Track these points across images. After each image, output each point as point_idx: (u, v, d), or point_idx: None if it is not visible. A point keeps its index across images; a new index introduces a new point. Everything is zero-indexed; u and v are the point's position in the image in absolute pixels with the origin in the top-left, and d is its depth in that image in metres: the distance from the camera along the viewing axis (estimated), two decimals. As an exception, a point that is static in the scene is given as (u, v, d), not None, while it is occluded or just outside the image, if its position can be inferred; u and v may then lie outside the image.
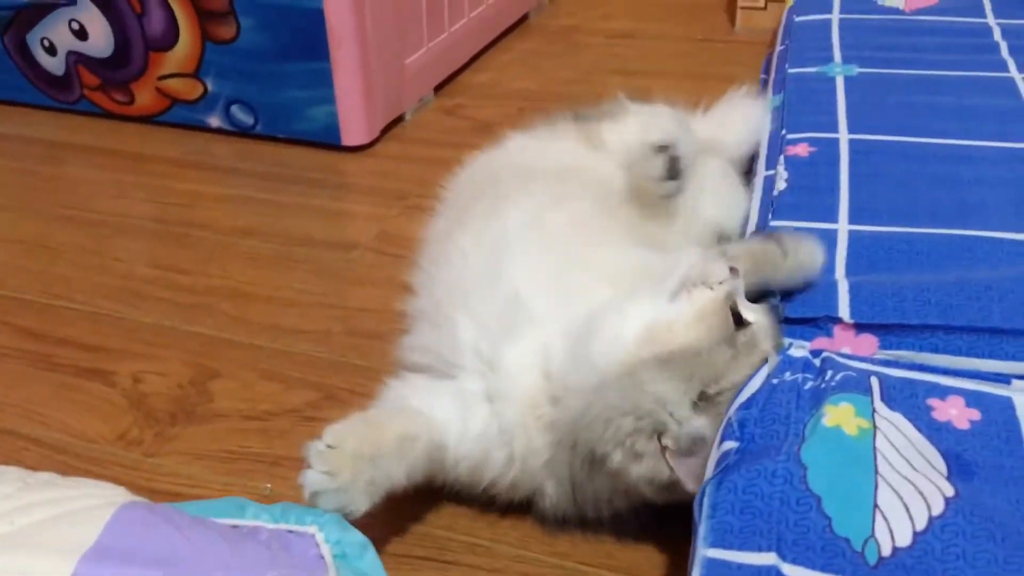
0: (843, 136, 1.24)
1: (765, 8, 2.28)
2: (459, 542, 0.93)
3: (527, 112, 1.91)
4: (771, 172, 1.20)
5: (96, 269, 1.42)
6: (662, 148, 1.05)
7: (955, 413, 0.77)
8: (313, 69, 1.69)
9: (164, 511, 0.70)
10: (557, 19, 2.47)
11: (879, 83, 1.40)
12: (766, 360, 0.83)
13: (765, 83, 1.65)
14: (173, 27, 1.75)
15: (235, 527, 0.72)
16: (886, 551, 0.64)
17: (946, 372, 0.83)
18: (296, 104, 1.74)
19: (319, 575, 0.71)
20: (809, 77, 1.44)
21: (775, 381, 0.80)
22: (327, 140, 1.75)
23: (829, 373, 0.80)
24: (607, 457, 0.82)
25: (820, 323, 0.89)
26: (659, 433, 0.80)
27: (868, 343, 0.88)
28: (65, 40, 1.86)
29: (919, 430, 0.75)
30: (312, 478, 0.80)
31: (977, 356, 0.86)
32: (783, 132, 1.27)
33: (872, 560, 0.64)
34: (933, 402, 0.78)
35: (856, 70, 1.44)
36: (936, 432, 0.75)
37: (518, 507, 0.94)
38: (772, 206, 1.11)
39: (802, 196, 1.12)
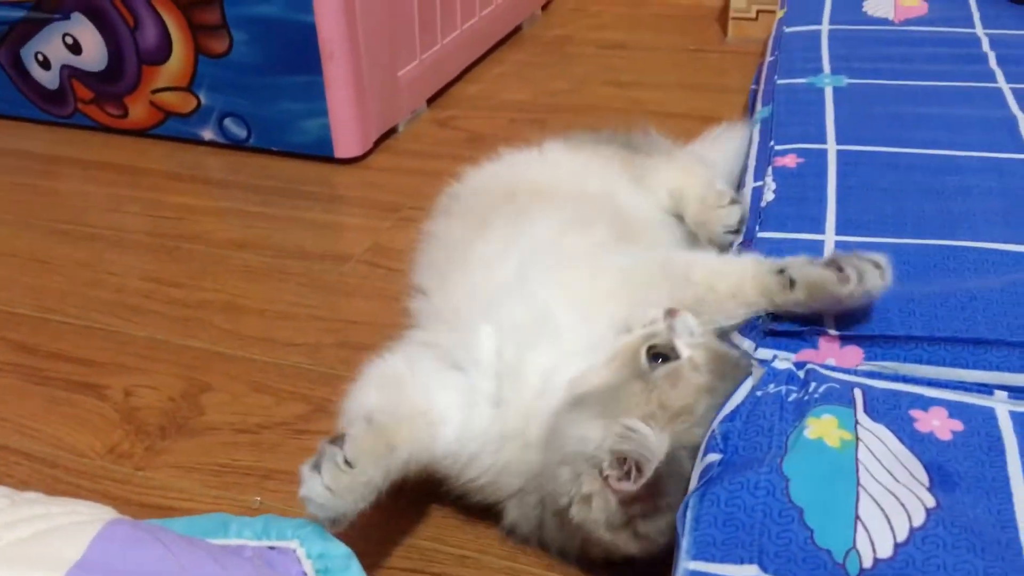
0: (831, 147, 1.25)
1: (757, 19, 2.29)
2: (447, 553, 0.93)
3: (519, 123, 1.93)
4: (759, 183, 1.20)
5: (89, 282, 1.42)
6: (734, 201, 1.18)
7: (938, 424, 0.77)
8: (306, 82, 1.70)
9: (150, 528, 0.70)
10: (550, 30, 2.48)
11: (868, 94, 1.40)
12: (714, 384, 0.83)
13: (755, 94, 1.66)
14: (166, 41, 1.76)
15: (223, 547, 0.72)
16: (867, 563, 0.64)
17: (930, 383, 0.83)
18: (289, 117, 1.75)
19: (302, 592, 0.71)
20: (798, 88, 1.44)
21: (759, 393, 0.80)
22: (320, 152, 1.76)
23: (813, 385, 0.81)
24: (567, 510, 0.82)
25: (805, 335, 0.89)
26: (599, 469, 0.79)
27: (853, 354, 0.88)
28: (59, 54, 1.87)
29: (901, 441, 0.75)
30: (315, 490, 0.78)
31: (961, 366, 0.86)
32: (771, 143, 1.28)
33: (853, 572, 0.64)
34: (916, 413, 0.78)
35: (845, 81, 1.45)
36: (918, 443, 0.75)
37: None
38: (760, 217, 1.12)
39: (790, 207, 1.12)
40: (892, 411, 0.78)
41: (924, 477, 0.72)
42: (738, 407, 0.79)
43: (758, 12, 2.28)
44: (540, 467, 0.85)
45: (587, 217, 1.07)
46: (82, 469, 1.06)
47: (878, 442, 0.74)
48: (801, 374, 0.84)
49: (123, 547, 0.68)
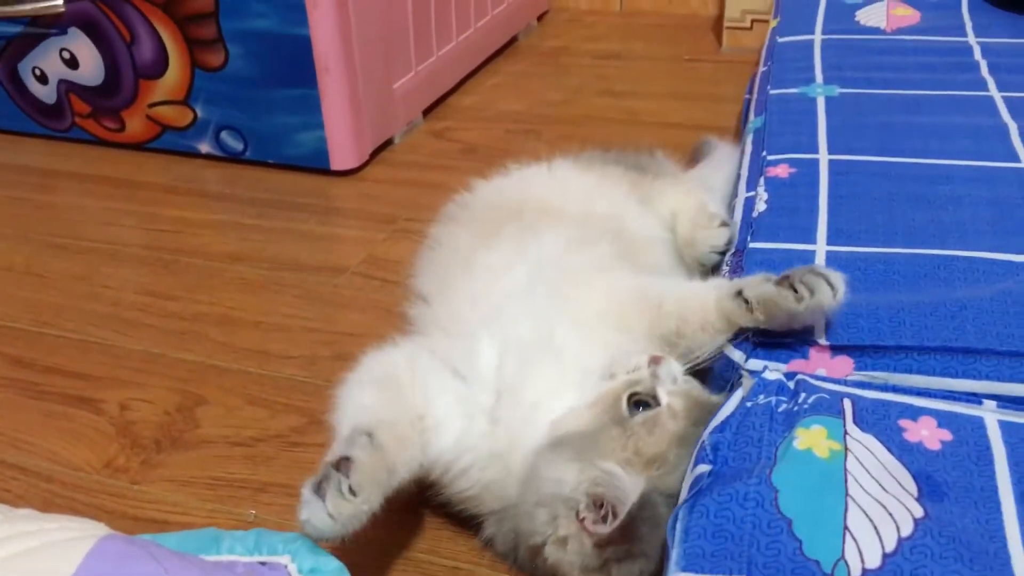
0: (823, 157, 1.25)
1: (751, 28, 2.30)
2: (441, 566, 0.93)
3: (515, 134, 1.94)
4: (751, 193, 1.21)
5: (85, 296, 1.43)
6: (724, 224, 1.18)
7: (927, 434, 0.77)
8: (301, 95, 1.70)
9: (143, 544, 0.70)
10: (545, 41, 2.49)
11: (860, 103, 1.41)
12: (688, 432, 0.83)
13: (749, 103, 1.67)
14: (163, 55, 1.77)
15: (215, 563, 0.72)
16: (856, 573, 0.65)
17: (919, 393, 0.83)
18: (285, 130, 1.75)
19: (294, 606, 0.71)
20: (790, 98, 1.45)
21: (749, 404, 0.81)
22: (316, 165, 1.76)
23: (803, 395, 0.81)
24: (541, 548, 0.82)
25: (796, 345, 0.90)
26: (575, 511, 0.79)
27: (843, 364, 0.89)
28: (56, 69, 1.88)
29: (890, 451, 0.75)
30: (318, 516, 0.76)
31: (951, 376, 0.86)
32: (764, 153, 1.29)
33: (842, 582, 0.64)
34: (905, 423, 0.78)
35: (837, 90, 1.45)
36: (907, 453, 0.75)
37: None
38: (752, 227, 1.12)
39: (781, 217, 1.13)
40: (881, 421, 0.79)
41: (913, 487, 0.72)
42: (728, 418, 0.79)
43: (752, 22, 2.29)
44: (516, 500, 0.85)
45: (592, 237, 1.07)
46: (78, 483, 1.07)
47: (867, 452, 0.74)
48: (791, 385, 0.84)
49: (116, 563, 0.68)
